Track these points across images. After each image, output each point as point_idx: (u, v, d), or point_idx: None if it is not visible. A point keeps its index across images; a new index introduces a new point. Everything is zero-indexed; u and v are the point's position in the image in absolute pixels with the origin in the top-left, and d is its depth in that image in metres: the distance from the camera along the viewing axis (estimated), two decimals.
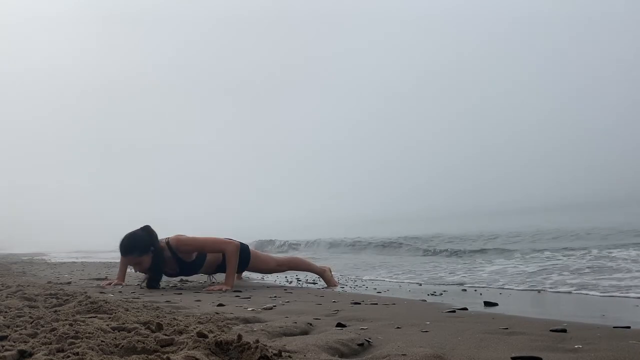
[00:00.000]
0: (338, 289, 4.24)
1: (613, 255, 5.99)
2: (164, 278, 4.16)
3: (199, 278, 5.04)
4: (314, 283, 4.75)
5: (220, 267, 4.30)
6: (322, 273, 4.64)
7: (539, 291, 3.97)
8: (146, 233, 3.96)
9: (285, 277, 5.46)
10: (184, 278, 4.83)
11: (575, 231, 10.66)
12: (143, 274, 4.12)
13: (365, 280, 5.22)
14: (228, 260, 4.00)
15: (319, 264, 4.96)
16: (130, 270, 4.42)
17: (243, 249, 4.32)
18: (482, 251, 8.79)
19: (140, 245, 3.91)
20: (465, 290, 4.09)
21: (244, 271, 4.64)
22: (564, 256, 6.52)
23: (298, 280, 5.07)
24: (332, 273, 4.67)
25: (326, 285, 4.53)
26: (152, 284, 3.98)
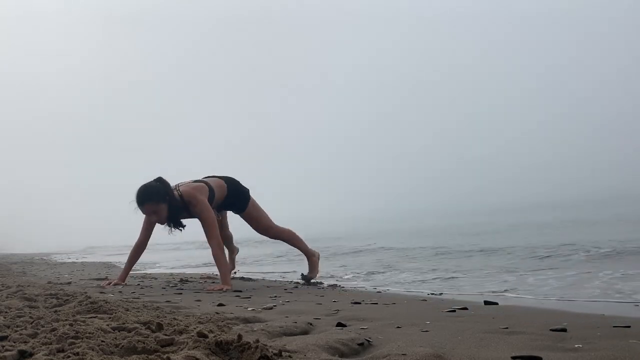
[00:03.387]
0: (338, 289, 4.24)
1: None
2: (164, 277, 4.17)
3: (199, 278, 5.04)
4: (320, 283, 4.74)
5: (220, 206, 4.47)
6: (311, 256, 4.65)
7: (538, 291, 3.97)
8: (160, 183, 4.04)
9: (285, 277, 5.46)
10: (184, 278, 4.85)
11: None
12: (162, 226, 4.22)
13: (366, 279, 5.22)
14: (215, 260, 4.04)
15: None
16: (130, 270, 4.42)
17: (243, 190, 4.47)
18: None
19: (156, 194, 3.99)
20: (465, 288, 4.09)
21: (243, 212, 4.57)
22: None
23: (298, 280, 5.07)
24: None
25: (307, 273, 4.58)
26: (175, 225, 4.15)
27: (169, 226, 4.17)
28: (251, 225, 4.66)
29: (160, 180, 4.05)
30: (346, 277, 5.54)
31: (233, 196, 4.44)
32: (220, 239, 4.12)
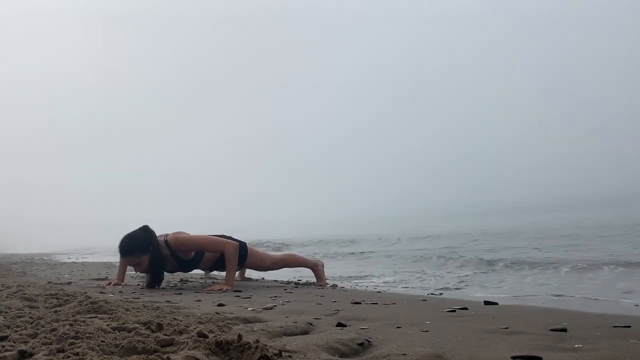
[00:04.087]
0: (338, 289, 4.24)
1: None
2: (164, 277, 4.17)
3: (199, 278, 5.04)
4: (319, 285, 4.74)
5: (218, 262, 4.30)
6: (315, 267, 4.66)
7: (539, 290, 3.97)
8: (145, 233, 3.96)
9: (286, 275, 5.46)
10: (184, 278, 4.84)
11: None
12: (144, 274, 4.13)
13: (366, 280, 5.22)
14: (227, 260, 4.00)
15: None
16: (130, 270, 4.42)
17: (241, 246, 4.33)
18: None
19: (139, 245, 3.91)
20: (466, 287, 4.09)
21: (241, 268, 4.64)
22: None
23: (298, 280, 5.07)
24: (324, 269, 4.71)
25: (316, 281, 4.56)
26: (154, 283, 3.99)
27: (148, 284, 4.01)
28: (257, 270, 4.74)
29: (146, 230, 3.97)
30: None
31: None
32: (234, 245, 4.07)
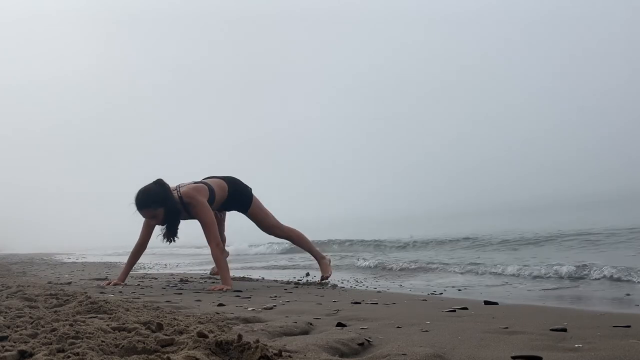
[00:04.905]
0: (338, 289, 4.24)
1: None
2: (164, 277, 4.17)
3: (199, 278, 5.04)
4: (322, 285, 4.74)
5: (223, 207, 4.49)
6: (322, 259, 4.65)
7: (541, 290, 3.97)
8: (159, 186, 4.03)
9: (286, 275, 5.45)
10: (184, 278, 4.84)
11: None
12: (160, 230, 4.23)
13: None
14: (216, 261, 4.07)
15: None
16: (130, 270, 4.43)
17: (245, 189, 4.48)
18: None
19: (155, 198, 3.98)
20: (466, 288, 4.09)
21: (247, 211, 4.58)
22: None
23: (299, 279, 5.07)
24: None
25: (321, 276, 4.57)
26: (170, 235, 4.12)
27: (164, 236, 4.16)
28: (256, 224, 4.68)
29: (159, 183, 4.04)
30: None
31: (235, 196, 4.45)
32: (219, 240, 4.13)
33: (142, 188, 4.02)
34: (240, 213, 4.64)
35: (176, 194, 4.07)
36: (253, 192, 4.57)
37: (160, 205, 3.98)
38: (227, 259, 5.18)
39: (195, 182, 4.28)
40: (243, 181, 4.55)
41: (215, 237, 4.07)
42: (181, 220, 4.26)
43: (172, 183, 4.15)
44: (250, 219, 4.65)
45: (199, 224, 4.13)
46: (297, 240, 4.75)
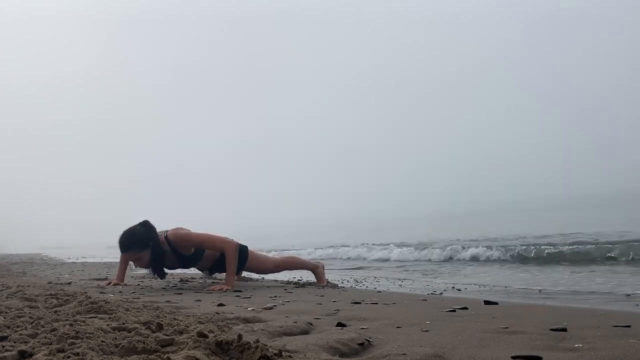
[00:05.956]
0: (338, 289, 4.24)
1: None
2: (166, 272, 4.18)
3: (199, 278, 5.04)
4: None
5: (218, 262, 4.30)
6: (315, 269, 4.66)
7: (540, 290, 3.97)
8: (145, 228, 3.95)
9: (286, 275, 5.45)
10: (184, 278, 4.84)
11: None
12: (146, 270, 4.16)
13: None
14: (227, 260, 3.98)
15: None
16: (131, 270, 4.42)
17: (241, 248, 4.32)
18: None
19: (139, 240, 3.91)
20: (466, 288, 4.09)
21: (241, 271, 4.64)
22: None
23: (299, 280, 5.07)
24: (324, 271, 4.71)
25: (316, 282, 4.56)
26: (159, 274, 4.08)
27: (152, 272, 4.14)
28: (257, 273, 4.75)
29: (144, 225, 3.97)
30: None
31: None
32: (234, 244, 4.02)
33: (127, 229, 3.95)
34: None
35: (162, 236, 4.01)
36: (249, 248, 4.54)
37: (144, 247, 3.91)
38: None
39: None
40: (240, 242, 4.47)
41: (224, 241, 4.01)
42: (169, 271, 4.26)
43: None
44: (250, 271, 4.71)
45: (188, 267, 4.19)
46: (291, 266, 4.79)
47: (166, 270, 4.17)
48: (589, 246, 7.74)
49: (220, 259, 4.22)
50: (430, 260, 9.05)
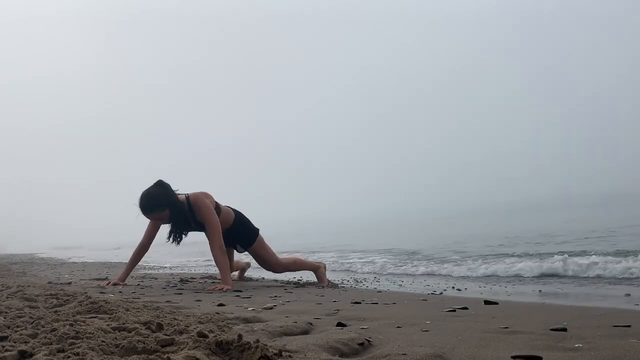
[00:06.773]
0: (338, 289, 4.24)
1: None
2: (164, 277, 4.17)
3: (199, 278, 5.04)
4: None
5: (224, 235, 4.28)
6: (317, 269, 4.65)
7: (540, 291, 3.97)
8: (160, 187, 4.04)
9: (286, 275, 5.46)
10: (184, 278, 4.84)
11: None
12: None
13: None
14: (216, 260, 4.02)
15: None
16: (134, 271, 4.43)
17: (251, 227, 4.46)
18: None
19: (158, 200, 4.00)
20: (466, 288, 4.08)
21: (249, 248, 4.53)
22: None
23: (299, 279, 5.07)
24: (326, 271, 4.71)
25: (317, 282, 4.56)
26: (175, 236, 4.16)
27: (171, 236, 4.19)
28: (258, 262, 4.72)
29: (159, 184, 4.04)
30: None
31: (239, 229, 4.41)
32: (222, 243, 4.06)
33: (144, 192, 4.01)
34: (240, 251, 4.64)
35: (183, 197, 4.09)
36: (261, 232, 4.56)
37: (165, 206, 4.00)
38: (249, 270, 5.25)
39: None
40: (252, 221, 4.54)
41: (219, 239, 4.04)
42: (188, 232, 4.30)
43: (175, 185, 4.16)
44: (253, 257, 4.66)
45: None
46: (295, 267, 4.77)
47: (164, 279, 4.20)
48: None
49: (225, 232, 4.27)
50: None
